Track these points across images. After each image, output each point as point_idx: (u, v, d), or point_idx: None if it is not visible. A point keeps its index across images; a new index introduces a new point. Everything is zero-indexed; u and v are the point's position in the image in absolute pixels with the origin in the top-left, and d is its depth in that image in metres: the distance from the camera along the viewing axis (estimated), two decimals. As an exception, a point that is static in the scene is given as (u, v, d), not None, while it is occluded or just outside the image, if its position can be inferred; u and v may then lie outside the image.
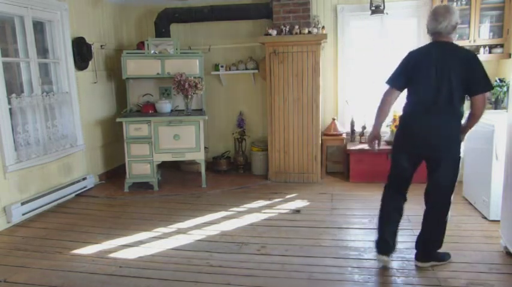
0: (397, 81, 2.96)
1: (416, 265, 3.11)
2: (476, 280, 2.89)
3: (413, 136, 2.94)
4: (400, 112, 5.48)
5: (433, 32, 2.88)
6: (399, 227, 3.17)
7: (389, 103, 2.99)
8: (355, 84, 5.83)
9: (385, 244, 3.10)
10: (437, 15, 2.80)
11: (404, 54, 3.08)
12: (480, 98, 2.77)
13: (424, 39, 5.49)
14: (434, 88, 2.79)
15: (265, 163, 5.74)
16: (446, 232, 3.75)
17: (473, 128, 3.06)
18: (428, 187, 3.11)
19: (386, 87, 3.01)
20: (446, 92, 2.76)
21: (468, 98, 2.85)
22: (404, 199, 3.18)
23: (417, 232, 3.71)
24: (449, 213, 3.13)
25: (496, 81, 5.11)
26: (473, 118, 2.89)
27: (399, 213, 3.15)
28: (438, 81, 2.78)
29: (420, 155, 3.01)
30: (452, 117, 2.84)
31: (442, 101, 2.78)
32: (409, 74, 2.92)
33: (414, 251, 3.19)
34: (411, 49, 3.06)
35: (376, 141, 3.16)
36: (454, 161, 2.93)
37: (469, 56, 2.80)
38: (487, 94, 2.89)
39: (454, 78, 2.74)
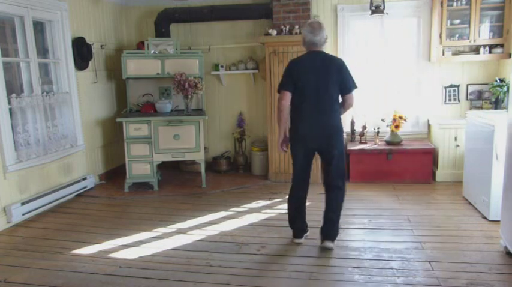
0: (288, 86, 3.32)
1: (324, 247, 3.41)
2: (476, 280, 2.88)
3: (305, 135, 3.33)
4: (401, 113, 5.48)
5: (310, 43, 3.34)
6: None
7: (286, 107, 3.33)
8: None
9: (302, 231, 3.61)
10: (314, 29, 3.30)
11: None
12: (351, 95, 3.37)
13: (424, 39, 5.52)
14: (318, 91, 3.26)
15: (265, 163, 5.74)
16: (447, 232, 3.77)
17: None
18: (328, 177, 3.52)
19: (279, 95, 3.36)
20: (328, 93, 3.28)
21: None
22: (304, 190, 3.59)
23: (417, 232, 3.73)
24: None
25: (496, 81, 5.11)
26: (346, 110, 3.46)
27: (304, 200, 3.63)
28: (321, 84, 3.26)
29: (314, 149, 3.45)
30: (335, 114, 3.34)
31: (326, 101, 3.28)
32: (295, 80, 3.29)
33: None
34: (293, 59, 3.51)
35: (285, 145, 3.53)
36: (343, 149, 3.48)
37: (341, 63, 3.39)
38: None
39: (332, 81, 3.27)
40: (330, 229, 3.46)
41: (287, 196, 3.64)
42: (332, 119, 3.33)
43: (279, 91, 3.38)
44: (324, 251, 3.42)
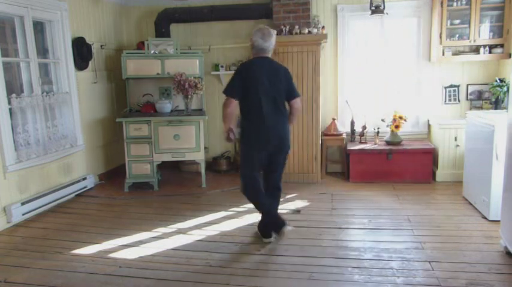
0: (235, 92, 3.36)
1: (283, 233, 3.50)
2: (476, 280, 2.88)
3: (258, 138, 3.42)
4: (401, 113, 5.48)
5: (259, 49, 3.40)
6: None
7: (231, 112, 3.39)
8: (355, 84, 5.84)
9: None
10: (264, 35, 3.38)
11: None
12: (298, 100, 3.52)
13: (424, 39, 5.52)
14: (268, 95, 3.35)
15: (265, 163, 5.73)
16: (447, 232, 3.77)
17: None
18: (269, 175, 3.62)
19: (225, 98, 3.40)
20: (277, 98, 3.39)
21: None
22: (260, 187, 3.62)
23: (417, 232, 3.73)
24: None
25: (496, 81, 5.11)
26: (295, 115, 3.57)
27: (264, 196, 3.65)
28: (271, 89, 3.36)
29: (266, 152, 3.51)
30: (283, 117, 3.48)
31: (275, 105, 3.39)
32: (245, 84, 3.35)
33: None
34: (242, 63, 3.60)
35: (231, 133, 3.48)
36: (288, 150, 3.58)
37: (286, 70, 3.52)
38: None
39: (280, 86, 3.39)
40: (278, 221, 3.55)
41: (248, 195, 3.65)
42: (281, 123, 3.45)
43: (225, 94, 3.40)
44: (324, 251, 3.42)
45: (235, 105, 3.38)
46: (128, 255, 3.46)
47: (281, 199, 4.74)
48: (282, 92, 3.42)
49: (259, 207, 3.63)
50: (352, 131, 5.71)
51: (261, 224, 3.68)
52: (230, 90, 3.38)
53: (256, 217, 4.26)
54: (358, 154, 5.37)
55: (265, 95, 3.36)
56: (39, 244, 3.72)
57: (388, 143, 5.45)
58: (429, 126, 5.67)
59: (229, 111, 3.38)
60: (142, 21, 6.32)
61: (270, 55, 3.49)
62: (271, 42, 3.41)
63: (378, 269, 3.09)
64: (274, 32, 3.46)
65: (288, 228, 3.53)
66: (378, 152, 5.32)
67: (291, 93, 3.47)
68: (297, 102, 3.52)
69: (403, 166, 5.27)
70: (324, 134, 5.66)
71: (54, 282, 3.04)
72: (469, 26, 5.11)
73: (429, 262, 3.17)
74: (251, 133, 3.45)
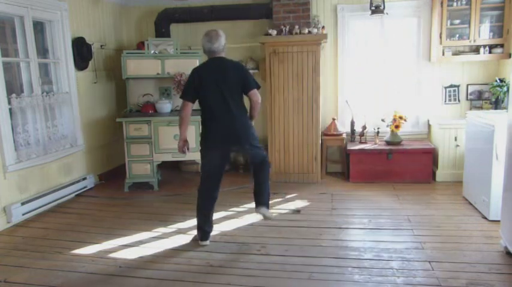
0: (190, 95, 3.50)
1: (264, 215, 3.66)
2: (476, 280, 2.89)
3: (217, 136, 3.49)
4: (401, 113, 5.49)
5: (209, 51, 3.51)
6: None
7: (188, 115, 3.52)
8: (355, 84, 5.84)
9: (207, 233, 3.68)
10: (211, 38, 3.47)
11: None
12: (254, 92, 3.54)
13: (424, 39, 5.52)
14: (222, 93, 3.44)
15: (265, 163, 5.73)
16: (447, 232, 3.77)
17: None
18: (254, 165, 3.70)
19: (182, 102, 3.52)
20: (231, 95, 3.46)
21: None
22: (218, 190, 3.69)
23: (417, 232, 3.73)
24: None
25: (496, 81, 5.11)
26: (255, 108, 3.63)
27: (215, 201, 3.74)
28: (224, 88, 3.44)
29: (230, 149, 3.68)
30: (241, 112, 3.54)
31: (231, 102, 3.46)
32: (198, 87, 3.45)
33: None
34: (195, 67, 3.64)
35: (186, 145, 3.62)
36: (256, 140, 3.63)
37: (239, 65, 3.64)
38: None
39: (233, 83, 3.47)
40: (263, 196, 3.67)
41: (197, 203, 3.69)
42: (239, 118, 3.51)
43: (181, 98, 3.54)
44: (324, 251, 3.42)
45: (189, 108, 3.50)
46: (128, 255, 3.46)
47: (281, 199, 4.78)
48: (236, 88, 3.49)
49: (201, 214, 3.69)
50: (352, 131, 5.71)
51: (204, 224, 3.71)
52: (184, 95, 3.50)
53: (256, 216, 4.27)
54: (358, 154, 5.37)
55: (219, 94, 3.44)
56: (39, 244, 3.72)
57: (388, 143, 5.45)
58: (429, 126, 5.67)
59: (185, 114, 3.49)
60: (142, 21, 6.32)
61: (223, 55, 3.57)
62: (219, 43, 3.48)
63: (378, 269, 3.09)
64: (222, 33, 3.54)
65: (267, 212, 3.65)
66: (378, 152, 5.32)
67: (247, 86, 3.52)
68: (255, 94, 3.56)
69: (403, 166, 5.27)
70: (324, 134, 5.66)
71: (54, 282, 3.04)
72: (469, 26, 5.10)
73: (429, 262, 3.17)
74: (208, 136, 3.53)
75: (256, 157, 3.67)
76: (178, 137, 3.62)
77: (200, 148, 3.62)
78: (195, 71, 3.54)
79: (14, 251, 3.60)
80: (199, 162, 5.39)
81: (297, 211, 4.41)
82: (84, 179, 5.27)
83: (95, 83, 5.62)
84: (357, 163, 5.36)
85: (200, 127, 3.68)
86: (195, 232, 3.91)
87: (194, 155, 5.27)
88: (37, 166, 4.53)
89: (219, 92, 3.44)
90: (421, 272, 3.02)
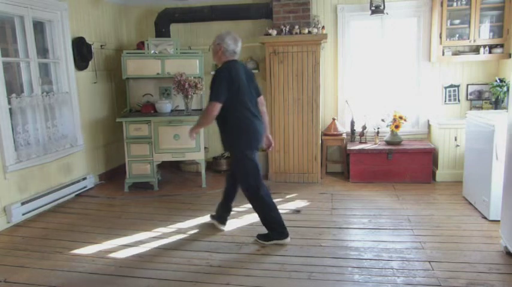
0: (224, 97, 3.43)
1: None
2: (476, 279, 2.89)
3: (256, 136, 3.59)
4: (401, 113, 5.47)
5: (232, 52, 3.57)
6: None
7: (214, 116, 3.51)
8: (355, 84, 5.84)
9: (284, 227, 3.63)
10: (236, 40, 3.59)
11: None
12: (262, 97, 3.76)
13: (424, 39, 5.52)
14: (250, 95, 3.56)
15: (265, 163, 5.73)
16: (447, 232, 3.77)
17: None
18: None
19: (211, 104, 3.43)
20: (254, 97, 3.62)
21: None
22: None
23: (417, 232, 3.74)
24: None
25: (496, 81, 5.11)
26: (265, 112, 3.79)
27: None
28: (250, 90, 3.57)
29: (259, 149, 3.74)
30: (260, 116, 3.66)
31: (255, 104, 3.62)
32: (233, 88, 3.45)
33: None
34: (223, 69, 3.58)
35: (194, 133, 3.75)
36: None
37: (251, 70, 3.91)
38: None
39: (253, 86, 3.62)
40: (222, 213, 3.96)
41: (264, 203, 3.61)
42: (262, 118, 3.68)
43: (213, 101, 3.40)
44: (324, 251, 3.42)
45: (218, 110, 3.46)
46: (128, 255, 3.46)
47: (281, 199, 4.79)
48: (254, 91, 3.64)
49: (275, 214, 3.64)
50: (352, 131, 5.71)
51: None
52: (218, 96, 3.39)
53: (256, 216, 4.27)
54: (358, 153, 5.37)
55: (249, 96, 3.55)
56: (39, 244, 3.72)
57: (388, 143, 5.45)
58: (429, 126, 5.67)
59: (212, 115, 3.46)
60: (142, 21, 6.32)
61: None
62: (240, 46, 3.62)
63: (378, 269, 3.09)
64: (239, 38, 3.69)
65: (221, 227, 3.91)
66: (378, 152, 5.32)
67: (259, 92, 3.71)
68: (263, 99, 3.77)
69: (403, 166, 5.27)
70: (324, 134, 5.67)
71: (54, 282, 3.04)
72: (469, 26, 5.10)
73: (429, 262, 3.17)
74: (250, 137, 3.55)
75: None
76: (193, 126, 3.71)
77: (241, 149, 3.56)
78: (227, 72, 3.46)
79: (14, 251, 3.59)
80: (200, 162, 5.42)
81: (297, 211, 4.41)
82: (84, 179, 5.26)
83: (95, 83, 5.61)
84: (357, 163, 5.36)
85: (223, 129, 3.64)
86: (195, 232, 3.92)
87: (194, 155, 5.32)
88: (37, 165, 4.53)
89: (251, 94, 3.57)
90: (421, 272, 3.02)
